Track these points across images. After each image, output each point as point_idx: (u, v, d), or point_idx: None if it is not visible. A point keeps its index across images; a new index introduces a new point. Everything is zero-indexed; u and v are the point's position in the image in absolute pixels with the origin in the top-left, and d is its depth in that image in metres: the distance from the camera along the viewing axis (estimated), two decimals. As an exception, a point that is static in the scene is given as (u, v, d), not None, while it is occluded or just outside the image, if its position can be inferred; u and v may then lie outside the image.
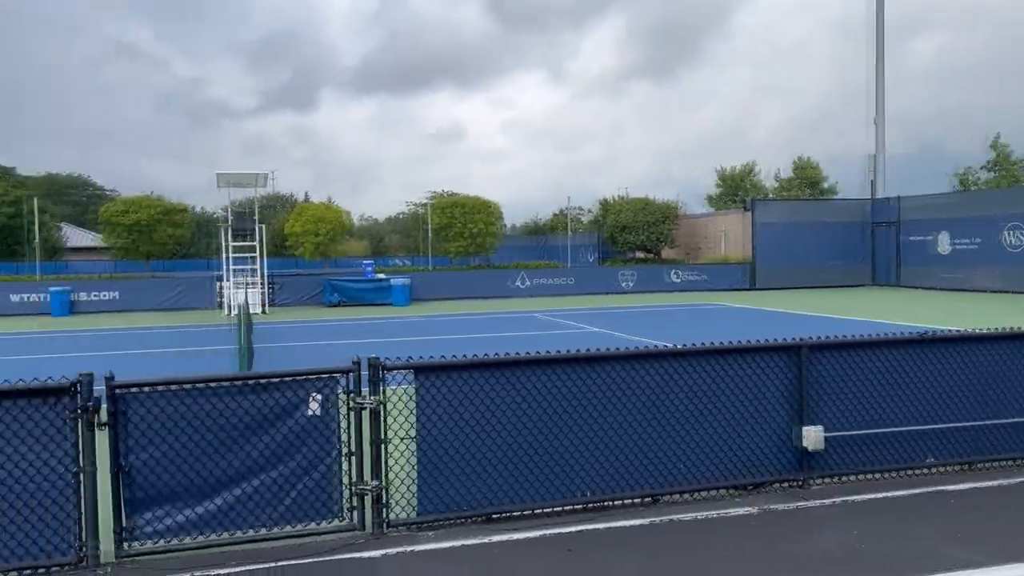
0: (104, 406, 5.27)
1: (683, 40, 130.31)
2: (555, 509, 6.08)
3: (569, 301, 28.90)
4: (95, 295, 27.59)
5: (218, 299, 27.36)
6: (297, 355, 15.52)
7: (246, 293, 25.00)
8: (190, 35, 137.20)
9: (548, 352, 6.24)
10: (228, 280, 26.46)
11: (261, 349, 14.21)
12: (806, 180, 51.84)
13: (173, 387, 5.43)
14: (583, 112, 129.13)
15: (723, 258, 36.78)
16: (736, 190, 55.49)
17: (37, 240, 36.21)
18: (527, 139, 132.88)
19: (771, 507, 6.22)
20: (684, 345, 6.54)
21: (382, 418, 5.76)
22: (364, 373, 5.75)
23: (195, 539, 5.44)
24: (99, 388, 5.28)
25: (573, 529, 5.75)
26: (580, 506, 6.13)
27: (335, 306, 28.07)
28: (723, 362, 6.52)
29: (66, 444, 5.20)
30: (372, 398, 5.72)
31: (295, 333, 19.98)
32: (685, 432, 6.40)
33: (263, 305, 26.44)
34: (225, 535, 5.48)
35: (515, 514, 5.99)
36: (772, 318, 21.77)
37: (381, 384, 5.76)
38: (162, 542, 5.38)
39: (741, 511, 6.13)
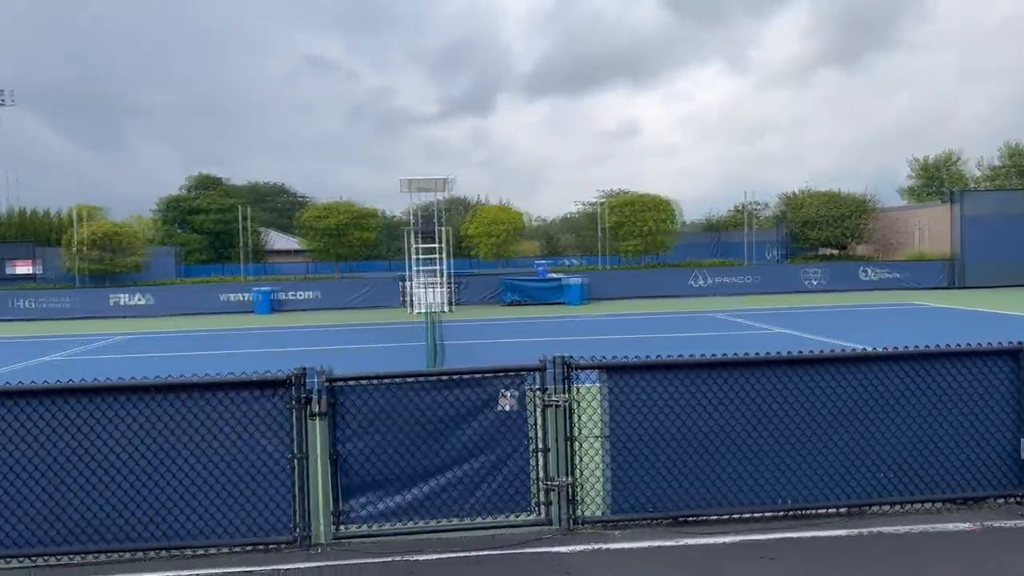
0: (316, 397, 5.68)
1: (874, 24, 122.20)
2: (751, 515, 5.90)
3: (750, 300, 27.93)
4: (294, 294, 29.78)
5: (402, 298, 28.75)
6: (482, 353, 15.99)
7: (427, 292, 26.10)
8: (378, 47, 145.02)
9: (736, 355, 6.07)
10: (412, 280, 27.72)
11: (447, 346, 14.78)
12: (1018, 168, 47.15)
13: (376, 381, 5.76)
14: (763, 103, 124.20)
15: (919, 254, 34.18)
16: (933, 181, 51.42)
17: (244, 244, 39.53)
18: (703, 133, 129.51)
19: (990, 523, 5.72)
20: (885, 348, 6.15)
21: (572, 416, 5.83)
22: (554, 371, 5.84)
23: (395, 526, 5.74)
24: (311, 381, 5.70)
25: (771, 536, 5.56)
26: (777, 513, 5.91)
27: (512, 305, 28.69)
28: (933, 366, 6.07)
29: (282, 432, 5.65)
30: (562, 396, 5.81)
31: (478, 331, 20.61)
32: (892, 440, 6.02)
33: (446, 304, 27.46)
34: (422, 523, 5.76)
35: (709, 518, 5.88)
36: (982, 319, 20.00)
37: (571, 382, 5.83)
38: (366, 527, 5.73)
39: (956, 526, 5.69)
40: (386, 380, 5.78)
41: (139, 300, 28.94)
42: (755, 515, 5.90)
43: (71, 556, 5.44)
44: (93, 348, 18.96)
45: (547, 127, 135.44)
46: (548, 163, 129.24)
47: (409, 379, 5.82)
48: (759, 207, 48.64)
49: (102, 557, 5.45)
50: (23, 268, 36.40)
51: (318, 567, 5.31)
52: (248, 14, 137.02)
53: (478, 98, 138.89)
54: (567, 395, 5.82)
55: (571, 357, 5.90)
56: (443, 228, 28.69)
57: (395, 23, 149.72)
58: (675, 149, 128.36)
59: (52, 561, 5.41)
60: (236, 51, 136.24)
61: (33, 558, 5.42)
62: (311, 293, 29.94)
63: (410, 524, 5.75)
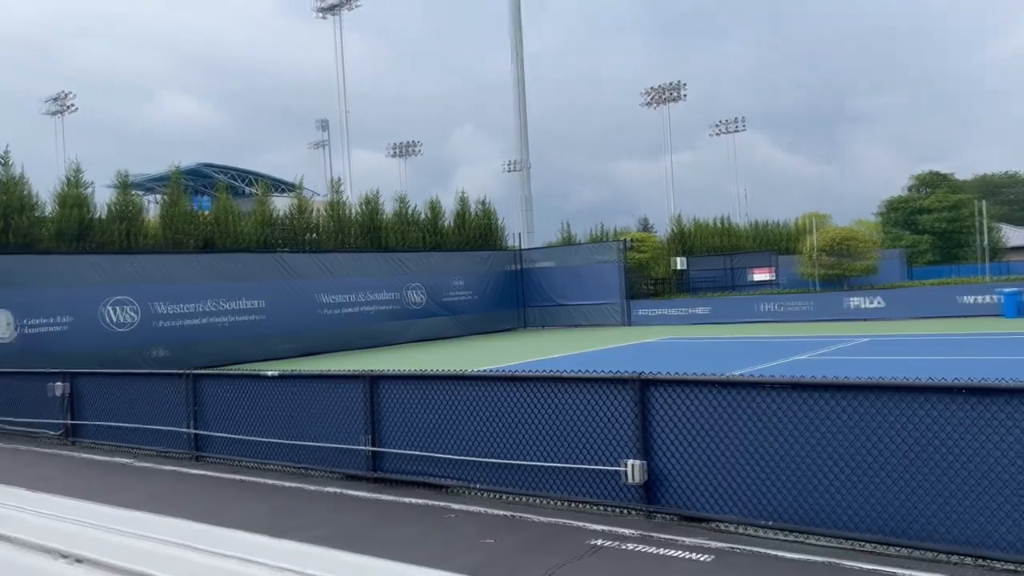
0: None
1: None
2: None
3: None
4: (1049, 296, 26.07)
5: None
6: None
7: None
8: None
9: None
10: None
11: None
12: None
13: None
14: None
15: None
16: None
17: (981, 241, 36.43)
18: None
19: None
20: None
21: None
22: None
23: None
24: None
25: None
26: None
27: None
28: None
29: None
30: None
31: None
32: None
33: None
34: None
35: None
36: None
37: None
38: None
39: None
40: None
41: (873, 303, 29.15)
42: None
43: (873, 544, 5.66)
44: (839, 349, 19.78)
45: None
46: None
47: None
48: None
49: (903, 551, 5.54)
50: (762, 275, 40.35)
51: None
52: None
53: None
54: None
55: None
56: None
57: None
58: None
59: (858, 546, 5.71)
60: (971, 35, 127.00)
61: (839, 539, 5.82)
62: (1073, 293, 25.80)
63: None
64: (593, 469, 6.99)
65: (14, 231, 21.88)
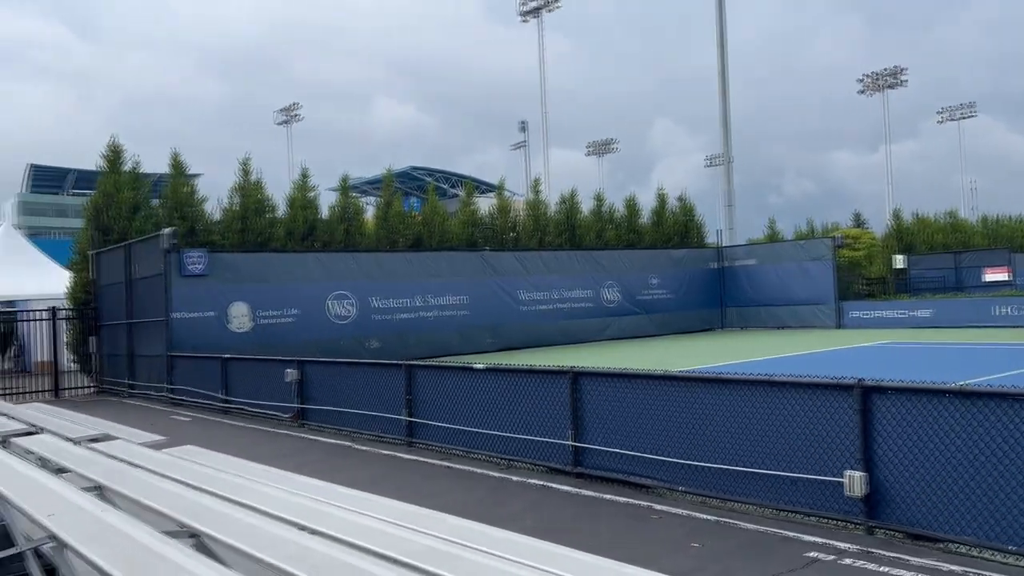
0: None
1: None
2: None
3: None
4: None
5: None
6: None
7: None
8: None
9: None
10: None
11: None
12: None
13: None
14: None
15: None
16: None
17: None
18: None
19: None
20: None
21: None
22: None
23: None
24: None
25: None
26: None
27: None
28: None
29: None
30: None
31: None
32: None
33: None
34: None
35: None
36: None
37: None
38: None
39: None
40: None
41: None
42: None
43: None
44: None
45: None
46: None
47: None
48: None
49: None
50: (996, 275, 36.61)
51: None
52: None
53: None
54: None
55: None
56: None
57: None
58: None
59: None
60: None
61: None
62: None
63: None
64: (807, 478, 6.66)
65: (251, 231, 24.23)
